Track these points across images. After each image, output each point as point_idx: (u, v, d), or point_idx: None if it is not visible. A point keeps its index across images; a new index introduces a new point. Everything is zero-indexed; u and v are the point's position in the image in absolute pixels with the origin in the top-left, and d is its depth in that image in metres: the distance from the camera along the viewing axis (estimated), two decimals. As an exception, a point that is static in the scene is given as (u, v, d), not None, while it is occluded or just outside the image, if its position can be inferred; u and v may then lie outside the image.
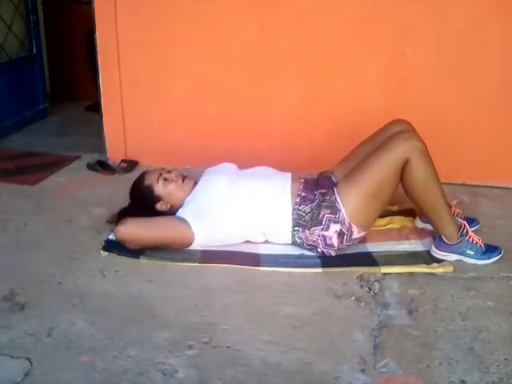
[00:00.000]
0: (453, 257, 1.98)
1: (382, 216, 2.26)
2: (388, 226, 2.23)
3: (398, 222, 2.26)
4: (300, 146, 2.76)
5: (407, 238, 2.14)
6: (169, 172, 2.20)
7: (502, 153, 2.65)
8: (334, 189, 1.99)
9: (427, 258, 2.01)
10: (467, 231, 1.98)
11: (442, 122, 2.64)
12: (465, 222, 2.01)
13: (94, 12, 2.81)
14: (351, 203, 1.94)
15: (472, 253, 1.97)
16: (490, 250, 1.98)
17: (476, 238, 1.98)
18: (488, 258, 1.97)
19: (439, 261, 1.98)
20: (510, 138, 2.63)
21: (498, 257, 1.98)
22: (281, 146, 2.78)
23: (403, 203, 2.30)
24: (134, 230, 2.01)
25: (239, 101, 2.83)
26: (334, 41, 2.64)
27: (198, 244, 2.04)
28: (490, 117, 2.61)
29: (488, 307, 1.75)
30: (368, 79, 2.68)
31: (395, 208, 2.36)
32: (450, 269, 1.94)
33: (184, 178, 2.19)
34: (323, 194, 2.00)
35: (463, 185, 2.67)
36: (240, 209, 2.03)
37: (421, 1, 2.53)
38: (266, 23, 2.68)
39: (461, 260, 1.98)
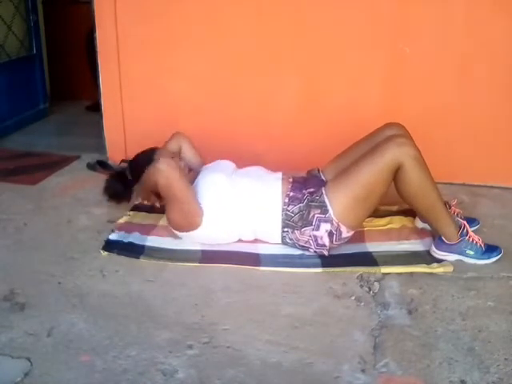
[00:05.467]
0: (453, 257, 1.98)
1: (381, 216, 2.28)
2: (388, 226, 2.23)
3: (397, 221, 2.26)
4: (299, 146, 2.76)
5: (407, 238, 2.14)
6: (180, 159, 2.21)
7: (502, 153, 2.65)
8: (323, 188, 1.99)
9: (427, 257, 2.01)
10: (467, 231, 1.98)
11: (442, 122, 2.64)
12: (465, 222, 2.01)
13: (93, 12, 2.81)
14: (339, 204, 1.93)
15: (472, 253, 1.97)
16: (489, 249, 1.99)
17: (476, 238, 1.98)
18: (488, 258, 1.97)
19: (439, 261, 1.98)
20: (510, 138, 2.63)
21: (498, 256, 1.98)
22: (280, 146, 2.78)
23: (403, 203, 2.29)
24: (176, 169, 1.98)
25: (239, 101, 2.83)
26: (333, 41, 2.64)
27: (199, 232, 2.03)
28: (491, 117, 2.61)
29: (488, 307, 1.75)
30: (368, 79, 2.67)
31: (395, 208, 2.36)
32: (450, 269, 1.94)
33: (190, 170, 2.20)
34: (312, 194, 1.99)
35: (463, 185, 2.67)
36: (235, 208, 2.03)
37: (421, 1, 2.53)
38: (266, 23, 2.68)
39: (461, 260, 1.98)
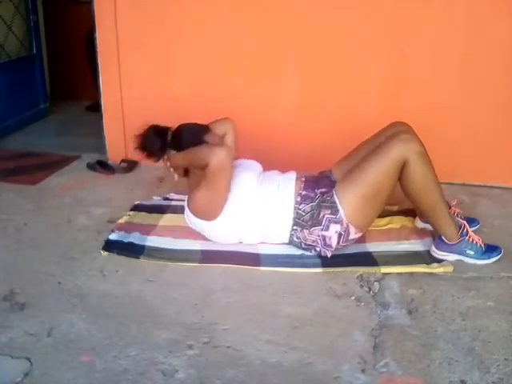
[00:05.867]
0: (453, 257, 1.99)
1: (381, 216, 2.27)
2: (388, 226, 2.23)
3: (397, 221, 2.26)
4: (300, 146, 2.76)
5: (407, 238, 2.14)
6: None
7: (502, 153, 2.65)
8: (333, 189, 2.00)
9: (427, 257, 2.01)
10: (467, 231, 1.98)
11: (443, 122, 2.64)
12: (465, 222, 2.01)
13: (93, 12, 2.82)
14: (349, 204, 1.94)
15: (472, 253, 1.97)
16: (489, 249, 1.99)
17: (476, 238, 1.98)
18: (488, 258, 1.97)
19: (439, 261, 1.98)
20: (510, 138, 2.63)
21: (498, 257, 1.98)
22: (281, 146, 2.77)
23: (403, 203, 2.30)
24: (230, 164, 1.99)
25: (239, 101, 2.82)
26: (334, 41, 2.64)
27: (210, 224, 2.04)
28: (491, 117, 2.61)
29: (488, 307, 1.75)
30: (368, 79, 2.68)
31: (395, 208, 2.36)
32: (450, 269, 1.94)
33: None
34: (323, 194, 2.00)
35: (463, 185, 2.67)
36: (253, 212, 2.03)
37: (421, 1, 2.53)
38: (267, 23, 2.68)
39: (461, 260, 1.98)
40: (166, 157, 2.11)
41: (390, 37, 2.59)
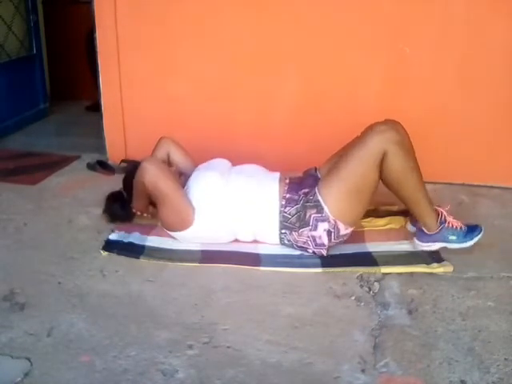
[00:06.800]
0: (437, 245, 1.99)
1: (381, 216, 2.28)
2: (388, 226, 2.23)
3: (397, 221, 2.26)
4: (299, 146, 2.76)
5: (407, 238, 2.14)
6: (170, 166, 2.25)
7: (502, 153, 2.65)
8: (316, 188, 1.98)
9: (427, 257, 2.00)
10: (445, 218, 1.98)
11: (442, 122, 2.64)
12: (441, 210, 2.00)
13: (93, 12, 2.81)
14: (334, 201, 1.93)
15: (454, 237, 1.97)
16: (471, 230, 1.99)
17: (455, 223, 1.98)
18: (471, 239, 1.97)
19: (439, 261, 1.98)
20: (510, 138, 2.63)
21: (480, 235, 1.97)
22: (280, 146, 2.78)
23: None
24: (162, 169, 2.02)
25: (239, 101, 2.83)
26: (333, 41, 2.64)
27: (192, 231, 2.04)
28: (491, 117, 2.61)
29: (488, 307, 1.75)
30: (368, 79, 2.68)
31: (395, 208, 2.36)
32: (450, 269, 1.94)
33: (180, 174, 2.23)
34: (306, 194, 1.99)
35: (463, 185, 2.67)
36: (230, 206, 2.03)
37: (421, 1, 2.53)
38: (266, 23, 2.68)
39: (446, 247, 1.98)
40: (133, 210, 2.22)
41: (390, 37, 2.59)
